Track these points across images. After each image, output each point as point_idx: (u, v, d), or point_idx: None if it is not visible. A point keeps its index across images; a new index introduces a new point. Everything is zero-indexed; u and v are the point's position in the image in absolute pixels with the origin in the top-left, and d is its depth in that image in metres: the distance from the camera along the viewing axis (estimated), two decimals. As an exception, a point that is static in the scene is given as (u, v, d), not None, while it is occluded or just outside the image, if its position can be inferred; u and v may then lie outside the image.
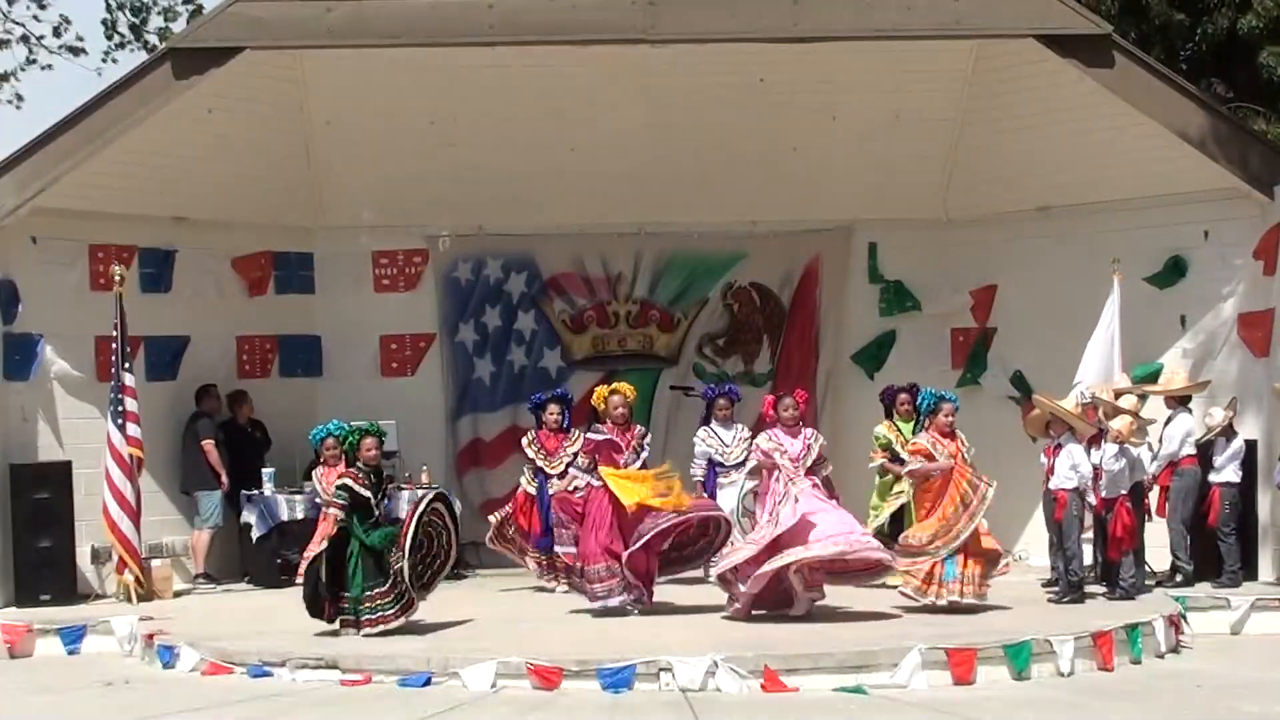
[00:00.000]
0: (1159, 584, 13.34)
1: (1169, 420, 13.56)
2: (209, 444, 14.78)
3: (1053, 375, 14.86)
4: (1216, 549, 13.35)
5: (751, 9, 13.90)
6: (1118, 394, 13.32)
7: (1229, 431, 13.39)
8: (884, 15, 13.87)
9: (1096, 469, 12.78)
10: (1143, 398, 13.47)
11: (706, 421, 14.31)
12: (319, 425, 12.84)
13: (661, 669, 10.26)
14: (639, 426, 12.96)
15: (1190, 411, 13.54)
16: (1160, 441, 13.51)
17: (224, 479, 14.78)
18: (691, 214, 16.16)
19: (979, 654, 10.57)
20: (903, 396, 13.83)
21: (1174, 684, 10.66)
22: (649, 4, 13.82)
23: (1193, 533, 13.43)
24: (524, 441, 14.09)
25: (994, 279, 16.06)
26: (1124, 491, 12.81)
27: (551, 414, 13.99)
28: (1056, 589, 12.75)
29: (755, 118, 15.57)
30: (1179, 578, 13.40)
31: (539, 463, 13.80)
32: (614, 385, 13.07)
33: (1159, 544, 13.51)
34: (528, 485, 13.89)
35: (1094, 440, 12.88)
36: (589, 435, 12.77)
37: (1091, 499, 12.78)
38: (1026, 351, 15.71)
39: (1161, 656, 11.68)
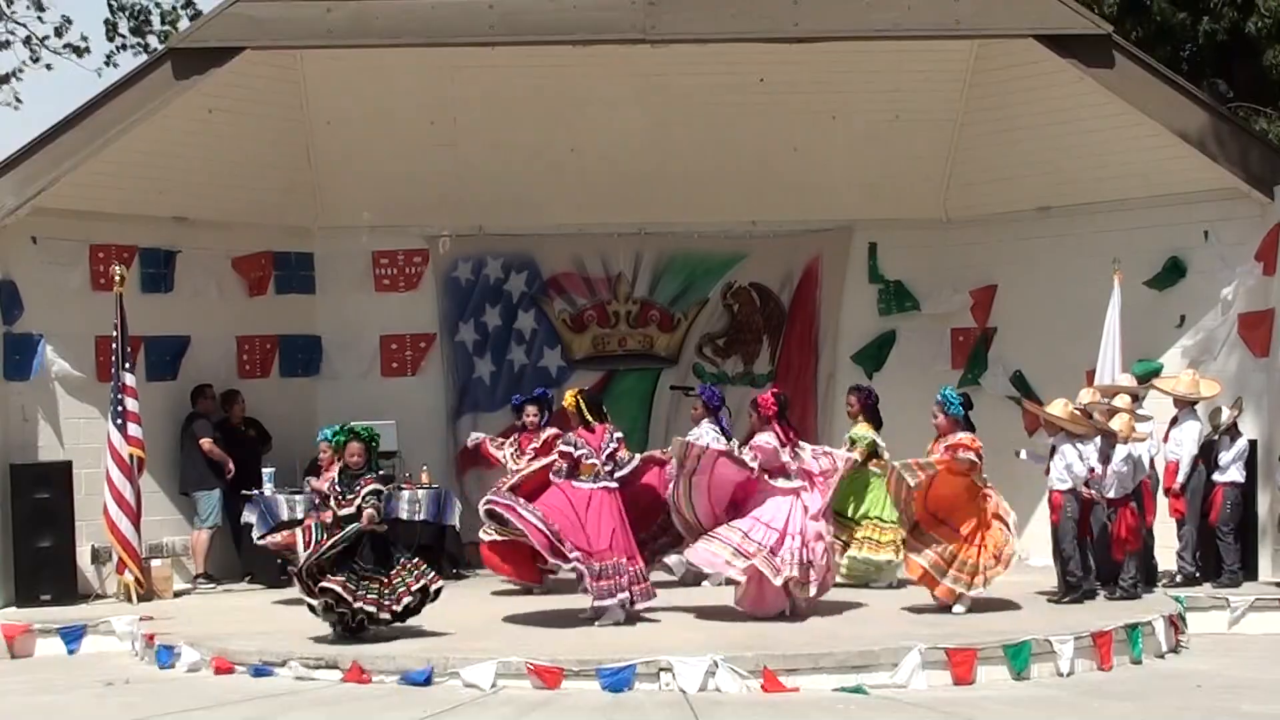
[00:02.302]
0: (1169, 583, 13.32)
1: (1174, 422, 13.51)
2: (207, 442, 14.77)
3: (1053, 375, 14.88)
4: (1215, 548, 13.34)
5: (751, 9, 13.91)
6: (1114, 393, 13.31)
7: (1234, 431, 13.37)
8: (884, 15, 13.88)
9: (1092, 470, 12.76)
10: (1138, 397, 13.47)
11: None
12: (322, 427, 12.68)
13: (661, 669, 10.26)
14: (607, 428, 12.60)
15: (1197, 415, 13.50)
16: (1166, 442, 13.48)
17: (230, 466, 14.74)
18: (691, 214, 16.17)
19: (979, 654, 10.57)
20: (850, 399, 13.98)
21: (1174, 684, 10.65)
22: (649, 4, 13.83)
23: (1197, 534, 13.43)
24: (505, 442, 14.16)
25: (994, 279, 16.07)
26: (1129, 492, 12.81)
27: (530, 415, 14.06)
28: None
29: (755, 118, 15.57)
30: (1179, 577, 13.38)
31: (509, 464, 13.81)
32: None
33: (1167, 544, 13.48)
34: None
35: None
36: (561, 447, 12.44)
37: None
38: (1026, 351, 15.71)
39: (1161, 656, 11.69)
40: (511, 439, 14.22)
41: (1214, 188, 14.21)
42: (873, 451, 13.57)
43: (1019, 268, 15.78)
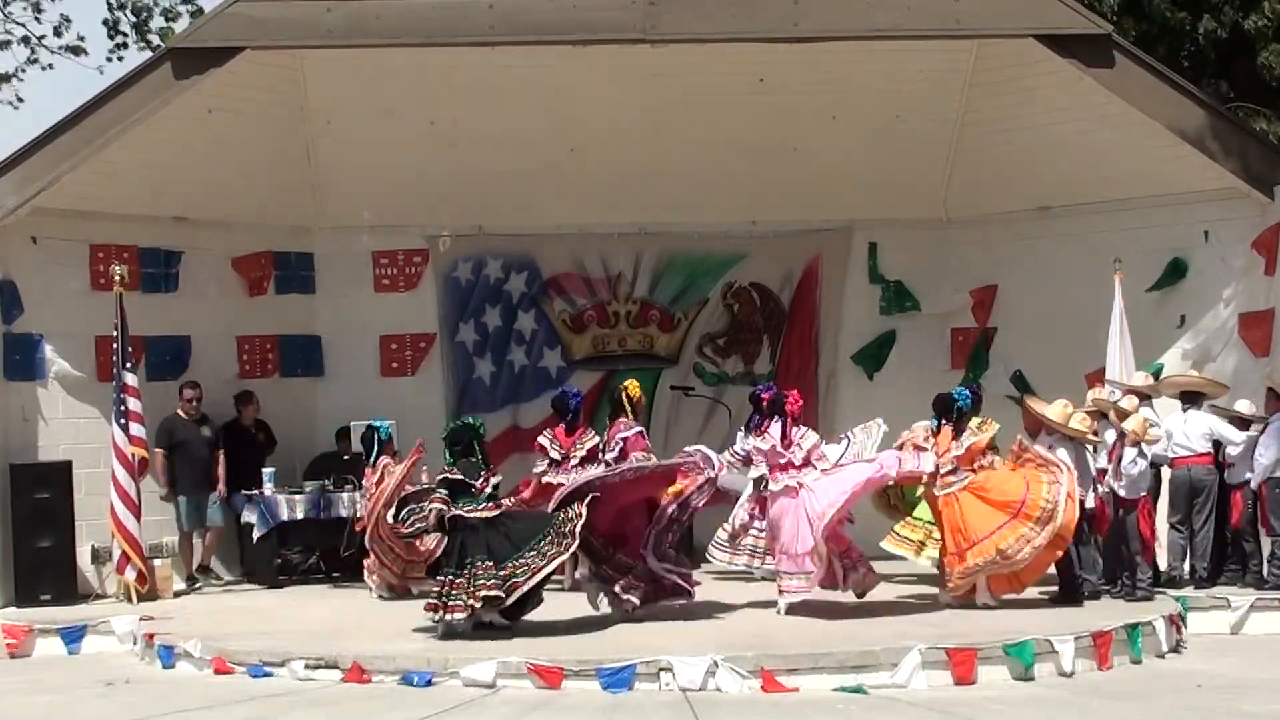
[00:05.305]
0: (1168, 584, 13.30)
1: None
2: (160, 453, 14.57)
3: (1053, 375, 14.88)
4: (1241, 548, 13.19)
5: (751, 9, 13.92)
6: (1127, 391, 13.26)
7: (1245, 429, 13.23)
8: (884, 15, 13.89)
9: (1102, 472, 12.73)
10: (1150, 397, 13.43)
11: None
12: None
13: (661, 669, 10.26)
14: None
15: (1197, 408, 13.38)
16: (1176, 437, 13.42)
17: (163, 480, 14.52)
18: (691, 214, 16.16)
19: (979, 654, 10.57)
20: None
21: (1174, 684, 10.65)
22: (649, 4, 13.84)
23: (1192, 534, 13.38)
24: (544, 439, 13.86)
25: (994, 279, 16.08)
26: (1144, 493, 12.79)
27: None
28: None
29: (755, 118, 15.57)
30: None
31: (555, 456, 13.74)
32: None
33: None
34: (551, 477, 13.71)
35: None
36: (623, 435, 13.03)
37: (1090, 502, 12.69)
38: (1026, 351, 15.71)
39: (1162, 656, 11.68)
40: (549, 436, 13.88)
41: (1214, 188, 14.22)
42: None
43: (1019, 268, 15.79)
